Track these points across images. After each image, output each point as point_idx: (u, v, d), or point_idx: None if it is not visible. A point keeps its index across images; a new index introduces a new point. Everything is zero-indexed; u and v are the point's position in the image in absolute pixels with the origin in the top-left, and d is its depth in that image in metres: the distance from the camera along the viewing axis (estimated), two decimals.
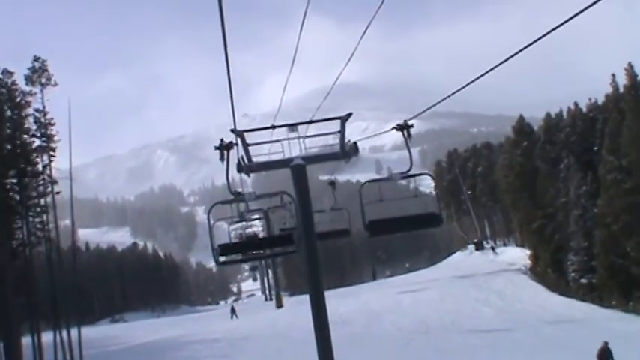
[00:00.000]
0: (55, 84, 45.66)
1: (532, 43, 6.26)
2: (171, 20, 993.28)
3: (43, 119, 45.12)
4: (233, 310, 58.41)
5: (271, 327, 46.86)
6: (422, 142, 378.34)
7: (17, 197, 44.01)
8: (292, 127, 11.02)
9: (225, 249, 10.40)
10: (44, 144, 45.02)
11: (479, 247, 79.36)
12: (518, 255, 64.05)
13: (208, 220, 10.32)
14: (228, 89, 7.85)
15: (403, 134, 10.31)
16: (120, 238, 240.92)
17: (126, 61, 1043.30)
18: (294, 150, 11.07)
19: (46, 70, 45.56)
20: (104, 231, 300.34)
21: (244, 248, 11.26)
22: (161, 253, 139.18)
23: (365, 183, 11.04)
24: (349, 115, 10.76)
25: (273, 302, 62.31)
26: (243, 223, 25.82)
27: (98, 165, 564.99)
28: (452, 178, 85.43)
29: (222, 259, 10.23)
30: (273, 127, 11.17)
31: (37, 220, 47.04)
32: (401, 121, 10.44)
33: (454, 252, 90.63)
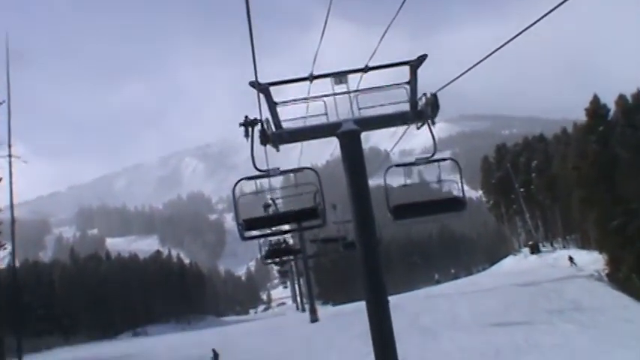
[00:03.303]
0: None
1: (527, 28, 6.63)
2: (191, 28, 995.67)
3: None
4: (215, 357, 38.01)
5: (306, 347, 39.81)
6: (453, 146, 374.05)
7: None
8: (340, 76, 9.32)
9: (250, 224, 9.56)
10: None
11: (535, 250, 71.64)
12: (585, 259, 56.31)
13: (233, 195, 9.22)
14: (249, 34, 6.84)
15: (429, 124, 9.64)
16: (148, 246, 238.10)
17: (147, 71, 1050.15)
18: (340, 112, 9.68)
19: None
20: (132, 239, 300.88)
21: (269, 222, 10.48)
22: (187, 262, 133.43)
23: (390, 167, 9.98)
24: (423, 57, 8.96)
25: (306, 314, 56.25)
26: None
27: (127, 174, 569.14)
28: (502, 175, 78.12)
29: (247, 234, 9.62)
30: (311, 79, 9.26)
31: None
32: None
33: (505, 256, 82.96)
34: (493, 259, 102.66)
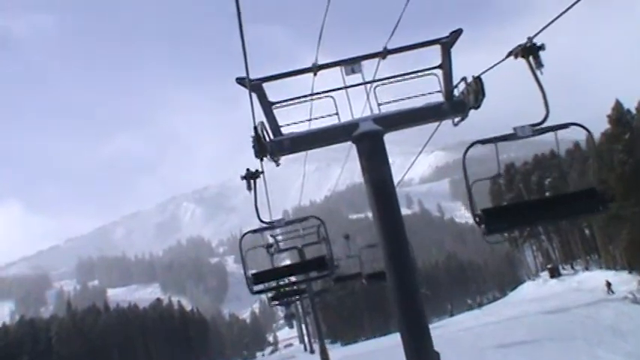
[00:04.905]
0: None
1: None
2: (179, 77, 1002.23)
3: None
4: None
5: None
6: (451, 173, 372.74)
7: None
8: (352, 63, 7.35)
9: (258, 277, 9.43)
10: None
11: (554, 273, 67.71)
12: (614, 280, 52.34)
13: (240, 250, 9.10)
14: (238, 24, 5.26)
15: (528, 61, 6.29)
16: (149, 295, 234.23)
17: (138, 120, 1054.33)
18: (355, 110, 7.88)
19: None
20: (134, 289, 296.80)
21: (277, 275, 10.72)
22: (188, 308, 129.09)
23: (473, 144, 6.48)
24: (458, 33, 6.94)
25: (316, 356, 52.63)
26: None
27: (125, 223, 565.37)
28: (513, 197, 74.65)
29: (256, 288, 9.44)
30: (316, 69, 7.29)
31: None
32: (524, 42, 6.26)
33: (522, 282, 79.08)
34: (503, 286, 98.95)
